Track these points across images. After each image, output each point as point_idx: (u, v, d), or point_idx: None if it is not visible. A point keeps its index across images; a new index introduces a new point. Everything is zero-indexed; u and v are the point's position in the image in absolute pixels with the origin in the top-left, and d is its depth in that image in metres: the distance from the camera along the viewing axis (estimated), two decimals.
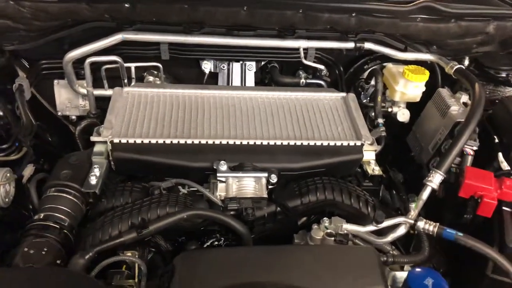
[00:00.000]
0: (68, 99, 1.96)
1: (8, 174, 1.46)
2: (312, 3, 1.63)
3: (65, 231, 1.31)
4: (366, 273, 1.17)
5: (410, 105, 1.93)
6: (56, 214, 1.33)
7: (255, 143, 1.54)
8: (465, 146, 1.56)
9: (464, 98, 1.77)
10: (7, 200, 1.46)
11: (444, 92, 1.81)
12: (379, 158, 1.70)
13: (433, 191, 1.42)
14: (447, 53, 1.90)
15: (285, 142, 1.55)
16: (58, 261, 1.21)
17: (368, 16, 1.69)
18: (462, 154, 1.58)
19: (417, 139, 1.89)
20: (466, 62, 1.90)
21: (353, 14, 1.68)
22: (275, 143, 1.55)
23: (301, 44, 1.83)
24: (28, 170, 1.61)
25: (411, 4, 1.66)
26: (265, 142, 1.55)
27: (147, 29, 1.76)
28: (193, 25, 1.74)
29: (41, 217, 1.32)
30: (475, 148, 1.58)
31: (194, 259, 1.16)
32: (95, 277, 1.13)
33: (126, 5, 1.60)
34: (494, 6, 1.78)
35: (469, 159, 1.58)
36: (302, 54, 1.84)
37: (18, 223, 1.51)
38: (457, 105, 1.71)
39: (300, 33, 1.82)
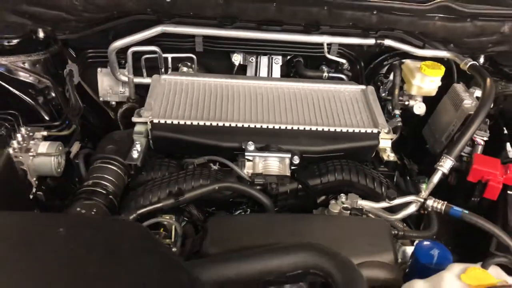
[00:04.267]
0: (110, 86, 2.14)
1: (60, 147, 1.64)
2: (336, 0, 1.77)
3: (111, 196, 1.48)
4: (377, 242, 1.29)
5: (426, 100, 2.04)
6: (103, 182, 1.50)
7: (280, 127, 1.69)
8: (476, 136, 1.68)
9: (478, 93, 1.87)
10: (59, 170, 1.63)
11: (459, 87, 1.92)
12: (396, 150, 1.83)
13: (443, 175, 1.54)
14: (464, 51, 2.01)
15: (307, 127, 1.70)
16: None
17: (389, 14, 1.82)
18: (473, 144, 1.70)
19: (431, 131, 2.01)
20: (482, 60, 2.02)
21: (374, 12, 1.81)
22: (298, 128, 1.70)
23: (325, 39, 1.97)
24: (75, 147, 1.80)
25: (429, 3, 1.78)
26: (289, 127, 1.70)
27: (184, 23, 1.92)
28: (226, 19, 1.90)
29: (90, 183, 1.50)
30: (485, 138, 1.69)
31: (224, 222, 1.32)
32: None
33: (167, 0, 1.78)
34: (508, 7, 1.88)
35: (479, 148, 1.69)
36: (326, 49, 1.99)
37: (66, 193, 1.70)
38: (470, 99, 1.82)
39: (324, 29, 1.96)
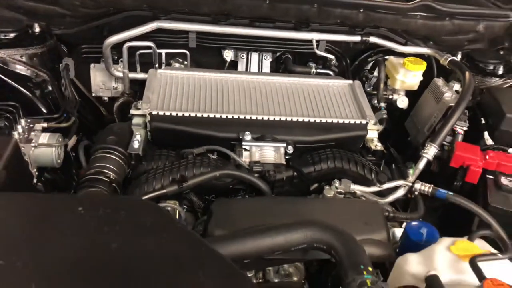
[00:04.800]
0: (102, 81, 2.16)
1: (60, 139, 1.67)
2: None
3: (114, 184, 1.52)
4: (371, 221, 1.38)
5: (409, 94, 2.16)
6: (105, 171, 1.54)
7: (274, 118, 1.77)
8: (457, 126, 1.80)
9: (457, 86, 2.01)
10: (59, 161, 1.67)
11: (439, 81, 2.05)
12: (381, 141, 1.93)
13: (428, 161, 1.65)
14: (442, 49, 2.14)
15: (300, 119, 1.78)
16: None
17: (374, 12, 1.93)
18: (454, 134, 1.82)
19: (414, 123, 2.13)
20: (459, 56, 2.15)
21: (361, 10, 1.92)
22: (291, 119, 1.78)
23: (314, 36, 2.06)
24: (72, 140, 1.83)
25: (412, 2, 1.90)
26: (283, 118, 1.78)
27: (179, 19, 1.98)
28: (220, 16, 1.97)
29: (92, 172, 1.54)
30: (465, 128, 1.82)
31: (228, 205, 1.39)
32: None
33: None
34: (483, 7, 2.03)
35: (460, 137, 1.81)
36: (314, 45, 2.08)
37: (63, 186, 1.73)
38: (450, 92, 1.95)
39: (314, 26, 2.06)
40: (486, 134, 1.77)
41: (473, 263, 1.09)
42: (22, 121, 1.63)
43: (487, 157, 1.64)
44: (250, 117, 1.76)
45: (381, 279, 1.27)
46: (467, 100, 1.73)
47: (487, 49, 2.20)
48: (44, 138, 1.63)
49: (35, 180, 1.61)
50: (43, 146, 1.61)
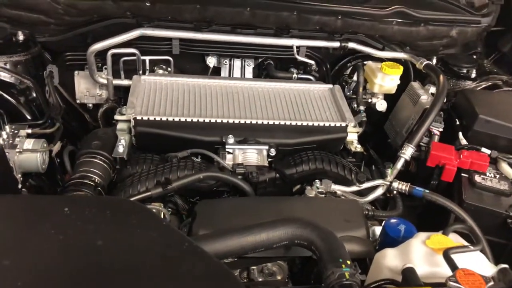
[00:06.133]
0: (87, 88, 2.18)
1: (45, 144, 1.69)
2: (305, 5, 1.93)
3: (99, 188, 1.55)
4: (351, 218, 1.43)
5: (387, 97, 2.23)
6: (90, 175, 1.57)
7: (257, 122, 1.82)
8: (433, 127, 1.87)
9: (432, 89, 2.08)
10: (44, 166, 1.68)
11: (416, 85, 2.12)
12: (361, 143, 1.99)
13: (405, 161, 1.71)
14: (418, 54, 2.21)
15: (282, 122, 1.83)
16: None
17: (351, 18, 2.00)
18: (430, 135, 1.89)
19: (392, 126, 2.19)
20: (434, 61, 2.23)
21: (339, 17, 1.99)
22: (273, 122, 1.83)
23: (294, 42, 2.12)
24: (56, 146, 1.84)
25: (388, 9, 1.97)
26: (265, 122, 1.82)
27: (162, 26, 2.02)
28: (203, 23, 2.01)
29: (77, 176, 1.56)
30: (440, 129, 1.88)
31: (212, 205, 1.42)
32: None
33: (147, 3, 1.87)
34: (456, 13, 2.11)
35: (436, 138, 1.88)
36: (295, 51, 2.14)
37: (48, 192, 1.75)
38: (426, 95, 2.02)
39: (294, 33, 2.11)
40: (460, 134, 1.83)
41: (446, 255, 1.14)
42: (7, 127, 1.65)
43: (461, 156, 1.70)
44: (233, 121, 1.80)
45: (359, 271, 1.32)
46: (441, 102, 1.80)
47: (461, 54, 2.29)
48: (29, 143, 1.64)
49: (20, 186, 1.62)
50: (28, 152, 1.62)
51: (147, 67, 2.12)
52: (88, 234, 0.98)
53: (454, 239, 1.27)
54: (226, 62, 2.27)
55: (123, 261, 0.93)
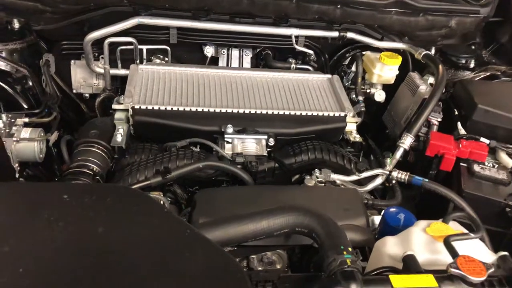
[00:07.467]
0: (83, 78, 2.16)
1: (42, 133, 1.67)
2: None
3: (97, 177, 1.53)
4: (351, 207, 1.43)
5: (385, 88, 2.22)
6: (88, 164, 1.56)
7: (255, 112, 1.81)
8: (431, 117, 1.87)
9: (431, 79, 2.08)
10: (41, 156, 1.67)
11: (414, 75, 2.12)
12: (360, 133, 1.99)
13: (404, 151, 1.71)
14: (417, 44, 2.20)
15: (281, 112, 1.82)
16: None
17: (350, 8, 1.99)
18: (429, 125, 1.89)
19: (391, 116, 2.19)
20: (433, 51, 2.23)
21: (338, 6, 1.97)
22: (272, 112, 1.82)
23: (293, 31, 2.11)
24: (53, 135, 1.83)
25: None
26: (264, 111, 1.81)
27: (159, 15, 2.00)
28: (200, 12, 1.99)
29: (75, 165, 1.55)
30: (439, 119, 1.88)
31: (212, 194, 1.41)
32: None
33: None
34: (455, 3, 2.10)
35: (435, 128, 1.88)
36: (294, 41, 2.13)
37: (45, 180, 1.73)
38: (424, 85, 2.02)
39: (292, 22, 2.10)
40: (459, 124, 1.83)
41: (447, 242, 1.15)
42: (3, 116, 1.63)
43: (460, 146, 1.70)
44: (232, 111, 1.79)
45: (361, 258, 1.32)
46: (440, 92, 1.80)
47: (460, 44, 2.29)
48: (26, 132, 1.63)
49: (17, 175, 1.61)
50: (25, 141, 1.61)
51: (144, 57, 2.11)
52: (89, 221, 0.97)
53: (454, 227, 1.27)
54: (224, 52, 2.25)
55: (124, 248, 0.93)
